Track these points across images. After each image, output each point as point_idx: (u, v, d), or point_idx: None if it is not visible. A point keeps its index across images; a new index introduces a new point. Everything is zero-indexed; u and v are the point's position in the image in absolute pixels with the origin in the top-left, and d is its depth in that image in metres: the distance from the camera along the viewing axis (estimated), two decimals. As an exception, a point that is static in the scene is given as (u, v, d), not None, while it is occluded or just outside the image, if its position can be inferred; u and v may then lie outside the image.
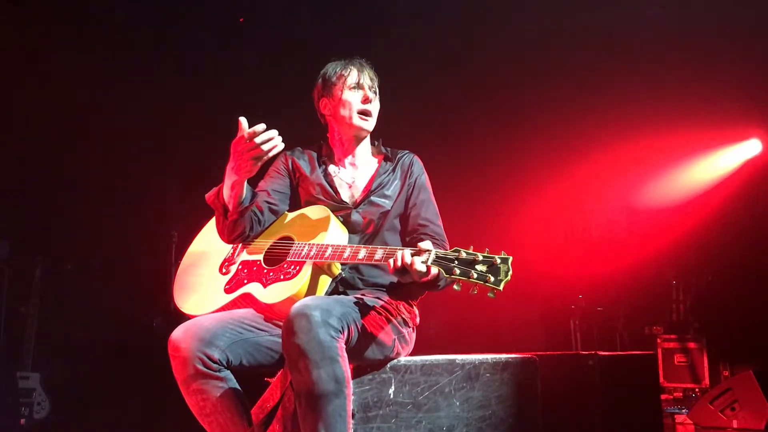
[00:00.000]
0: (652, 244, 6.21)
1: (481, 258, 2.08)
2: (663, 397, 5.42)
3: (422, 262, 2.15)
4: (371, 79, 2.73)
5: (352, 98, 2.70)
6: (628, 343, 6.05)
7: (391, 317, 2.50)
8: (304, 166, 2.78)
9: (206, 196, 2.63)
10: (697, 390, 5.54)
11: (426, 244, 2.20)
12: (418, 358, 2.55)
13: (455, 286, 2.19)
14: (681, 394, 5.61)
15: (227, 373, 2.33)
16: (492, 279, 2.05)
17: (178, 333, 2.32)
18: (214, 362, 2.28)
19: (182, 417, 2.48)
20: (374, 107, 2.73)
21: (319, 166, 2.78)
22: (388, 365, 2.48)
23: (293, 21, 5.78)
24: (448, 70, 6.16)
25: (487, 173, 6.30)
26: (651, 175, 6.40)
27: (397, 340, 2.50)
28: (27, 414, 5.24)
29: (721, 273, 5.89)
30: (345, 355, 2.21)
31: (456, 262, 2.10)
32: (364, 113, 2.70)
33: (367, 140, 2.82)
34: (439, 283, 2.39)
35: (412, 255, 2.18)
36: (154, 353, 5.05)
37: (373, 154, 2.82)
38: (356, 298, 2.47)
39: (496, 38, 5.91)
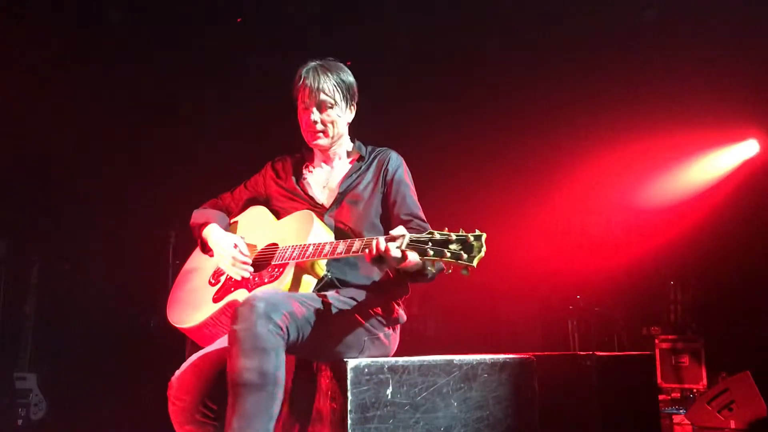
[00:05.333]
0: (650, 244, 6.22)
1: (454, 237, 2.09)
2: (661, 397, 5.42)
3: (397, 247, 2.16)
4: (321, 91, 2.59)
5: (304, 116, 2.65)
6: (626, 344, 6.05)
7: (361, 318, 2.46)
8: (282, 172, 2.79)
9: (192, 220, 2.75)
10: (694, 390, 5.54)
11: (399, 230, 2.20)
12: (415, 359, 2.54)
13: (429, 267, 2.23)
14: (679, 395, 5.62)
15: (222, 419, 2.31)
16: (465, 256, 2.06)
17: (184, 382, 2.30)
18: (214, 410, 2.30)
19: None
20: (327, 125, 2.64)
21: (297, 172, 2.77)
22: (386, 366, 2.47)
23: (289, 20, 5.77)
24: (447, 70, 6.16)
25: (484, 174, 6.30)
26: (649, 176, 6.40)
27: (368, 341, 2.48)
28: (24, 415, 5.23)
29: (719, 273, 5.89)
30: (282, 353, 2.18)
31: (430, 243, 2.11)
32: (316, 132, 2.64)
33: (346, 141, 2.78)
34: (426, 272, 2.38)
35: (387, 241, 2.18)
36: (151, 353, 5.07)
37: (349, 155, 2.77)
38: (320, 296, 2.43)
39: (496, 39, 5.92)
